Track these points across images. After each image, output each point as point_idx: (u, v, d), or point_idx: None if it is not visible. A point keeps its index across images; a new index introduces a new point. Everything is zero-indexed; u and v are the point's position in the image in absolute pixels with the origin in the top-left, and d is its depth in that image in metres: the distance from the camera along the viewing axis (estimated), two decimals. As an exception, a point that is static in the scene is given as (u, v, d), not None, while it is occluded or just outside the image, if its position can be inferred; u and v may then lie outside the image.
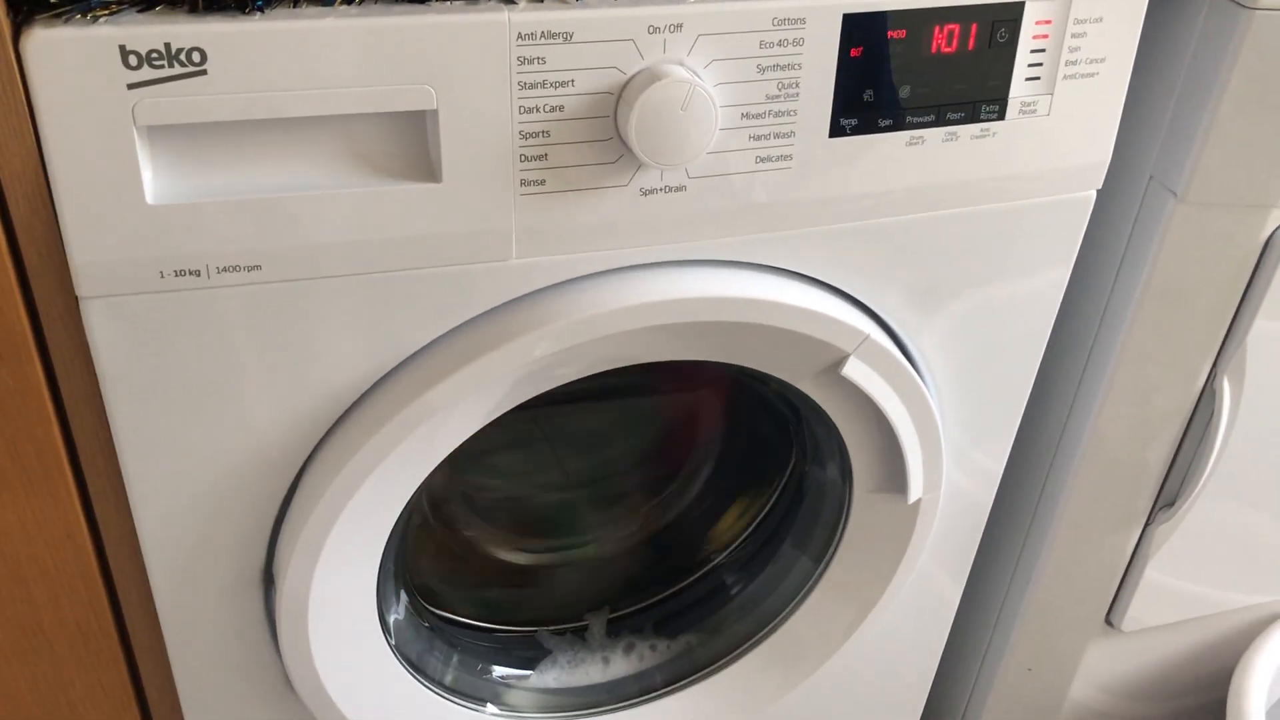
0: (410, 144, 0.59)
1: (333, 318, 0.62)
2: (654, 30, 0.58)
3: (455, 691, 0.85)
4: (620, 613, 0.96)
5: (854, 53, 0.63)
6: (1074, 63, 0.68)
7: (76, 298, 0.58)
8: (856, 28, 0.62)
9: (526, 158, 0.60)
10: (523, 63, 0.57)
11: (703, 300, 0.67)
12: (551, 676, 0.91)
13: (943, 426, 0.82)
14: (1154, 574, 0.98)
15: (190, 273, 0.58)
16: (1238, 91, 0.73)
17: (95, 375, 0.61)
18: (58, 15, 0.51)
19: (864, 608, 0.87)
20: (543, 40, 0.57)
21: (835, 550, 0.87)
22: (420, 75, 0.56)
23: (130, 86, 0.52)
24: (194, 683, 0.75)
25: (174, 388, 0.62)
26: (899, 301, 0.75)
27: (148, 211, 0.55)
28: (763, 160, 0.64)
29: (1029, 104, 0.68)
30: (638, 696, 0.90)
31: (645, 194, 0.63)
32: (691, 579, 0.96)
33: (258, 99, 0.54)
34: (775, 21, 0.60)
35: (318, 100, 0.55)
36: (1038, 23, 0.66)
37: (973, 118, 0.67)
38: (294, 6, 0.54)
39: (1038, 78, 0.68)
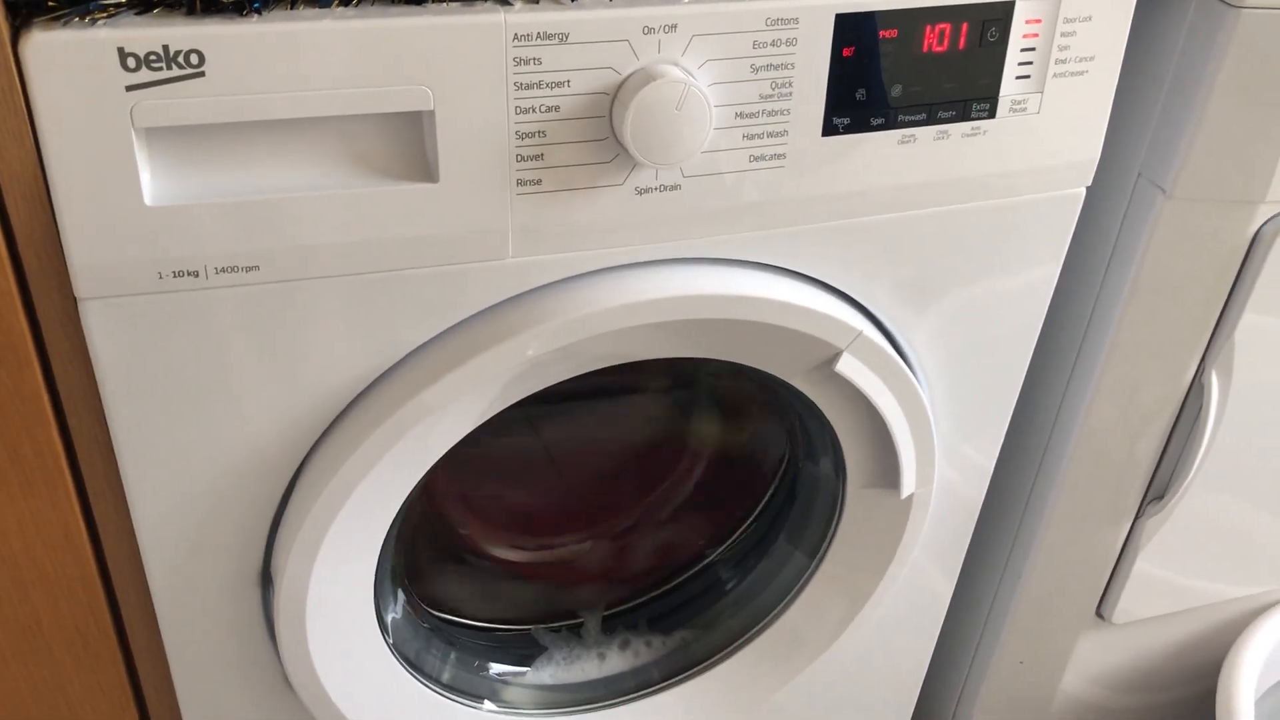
0: (407, 144, 0.59)
1: (330, 317, 0.62)
2: (649, 31, 0.59)
3: (453, 689, 0.85)
4: (615, 609, 0.96)
5: (846, 52, 0.63)
6: (1064, 61, 0.69)
7: (75, 299, 0.58)
8: (849, 27, 0.63)
9: (523, 157, 0.60)
10: (519, 63, 0.57)
11: (698, 298, 0.67)
12: (547, 673, 0.91)
13: (935, 422, 0.82)
14: (1144, 567, 0.98)
15: (188, 274, 0.58)
16: (1225, 89, 0.73)
17: (94, 376, 0.61)
18: (56, 18, 0.51)
19: (858, 602, 0.88)
20: (538, 41, 0.57)
21: (829, 545, 0.87)
22: (417, 76, 0.56)
23: (128, 89, 0.52)
24: (192, 682, 0.75)
25: (172, 388, 0.62)
26: (891, 298, 0.75)
27: (146, 213, 0.56)
28: (756, 159, 0.65)
29: (1019, 102, 0.69)
30: (635, 692, 0.91)
31: (640, 193, 0.63)
32: (686, 575, 0.97)
33: (255, 100, 0.54)
34: (768, 22, 0.61)
35: (315, 101, 0.55)
36: (1028, 22, 0.67)
37: (964, 116, 0.68)
38: (291, 8, 0.55)
39: (1028, 76, 0.68)
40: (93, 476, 0.66)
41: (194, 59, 0.53)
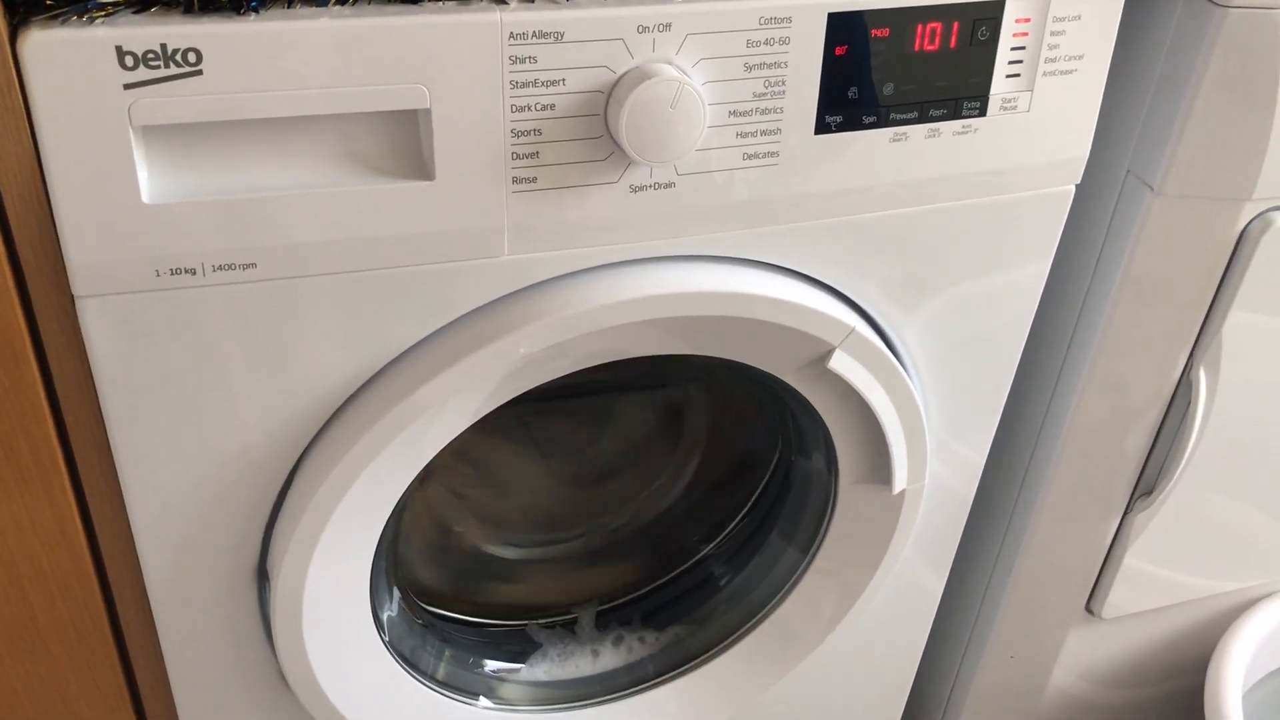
0: (403, 143, 0.60)
1: (326, 315, 0.63)
2: (643, 30, 0.59)
3: (448, 686, 0.85)
4: (609, 605, 0.97)
5: (839, 51, 0.64)
6: (1053, 60, 0.69)
7: (72, 296, 0.58)
8: (841, 26, 0.63)
9: (518, 155, 0.60)
10: (514, 62, 0.58)
11: (692, 295, 0.68)
12: (542, 670, 0.92)
13: (926, 418, 0.83)
14: (1133, 562, 0.99)
15: (186, 271, 0.58)
16: (1212, 87, 0.74)
17: (90, 374, 0.61)
18: (54, 16, 0.51)
19: (850, 597, 0.88)
20: (534, 40, 0.58)
21: (822, 540, 0.88)
22: (413, 75, 0.57)
23: (126, 87, 0.52)
24: (188, 680, 0.76)
25: (169, 386, 0.62)
26: (883, 295, 0.76)
27: (144, 211, 0.56)
28: (750, 157, 0.65)
29: (1010, 100, 0.70)
30: (629, 688, 0.91)
31: (635, 191, 0.64)
32: (679, 570, 0.97)
33: (252, 99, 0.55)
34: (762, 20, 0.61)
35: (312, 99, 0.56)
36: (1017, 21, 0.67)
37: (955, 114, 0.69)
38: (288, 7, 0.55)
39: (1018, 75, 0.69)
40: (89, 473, 0.66)
41: (191, 57, 0.53)
